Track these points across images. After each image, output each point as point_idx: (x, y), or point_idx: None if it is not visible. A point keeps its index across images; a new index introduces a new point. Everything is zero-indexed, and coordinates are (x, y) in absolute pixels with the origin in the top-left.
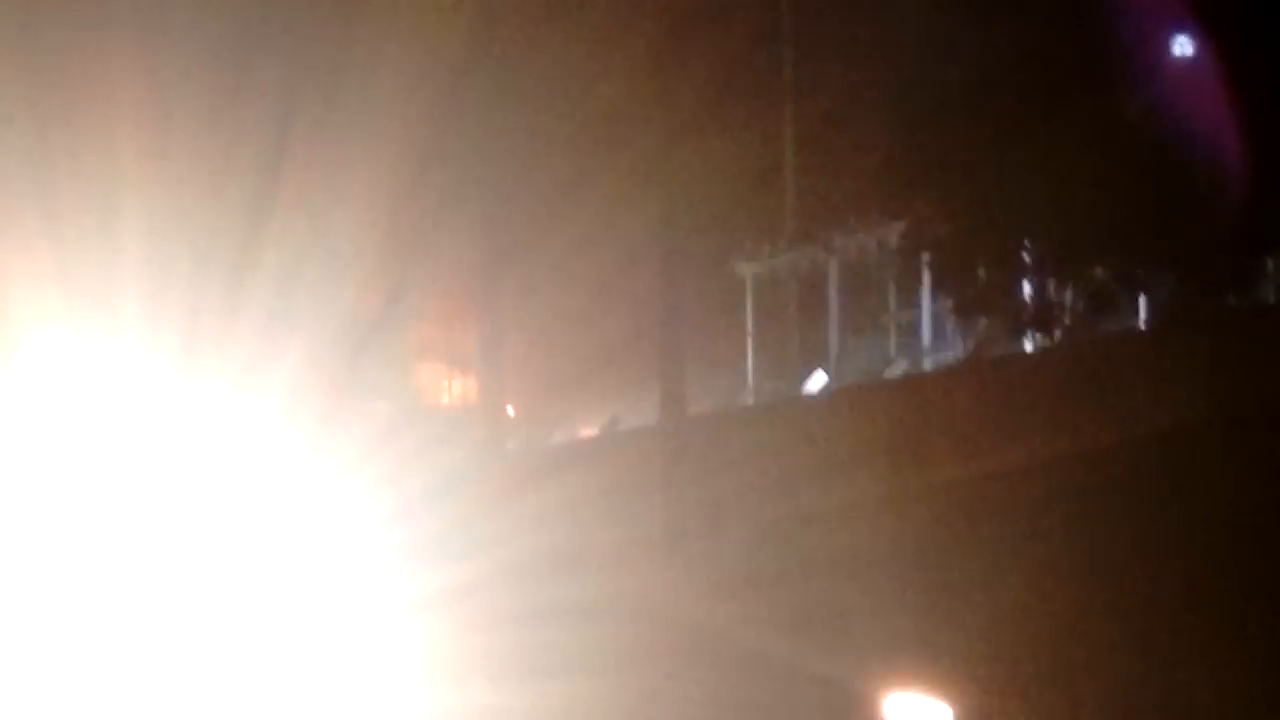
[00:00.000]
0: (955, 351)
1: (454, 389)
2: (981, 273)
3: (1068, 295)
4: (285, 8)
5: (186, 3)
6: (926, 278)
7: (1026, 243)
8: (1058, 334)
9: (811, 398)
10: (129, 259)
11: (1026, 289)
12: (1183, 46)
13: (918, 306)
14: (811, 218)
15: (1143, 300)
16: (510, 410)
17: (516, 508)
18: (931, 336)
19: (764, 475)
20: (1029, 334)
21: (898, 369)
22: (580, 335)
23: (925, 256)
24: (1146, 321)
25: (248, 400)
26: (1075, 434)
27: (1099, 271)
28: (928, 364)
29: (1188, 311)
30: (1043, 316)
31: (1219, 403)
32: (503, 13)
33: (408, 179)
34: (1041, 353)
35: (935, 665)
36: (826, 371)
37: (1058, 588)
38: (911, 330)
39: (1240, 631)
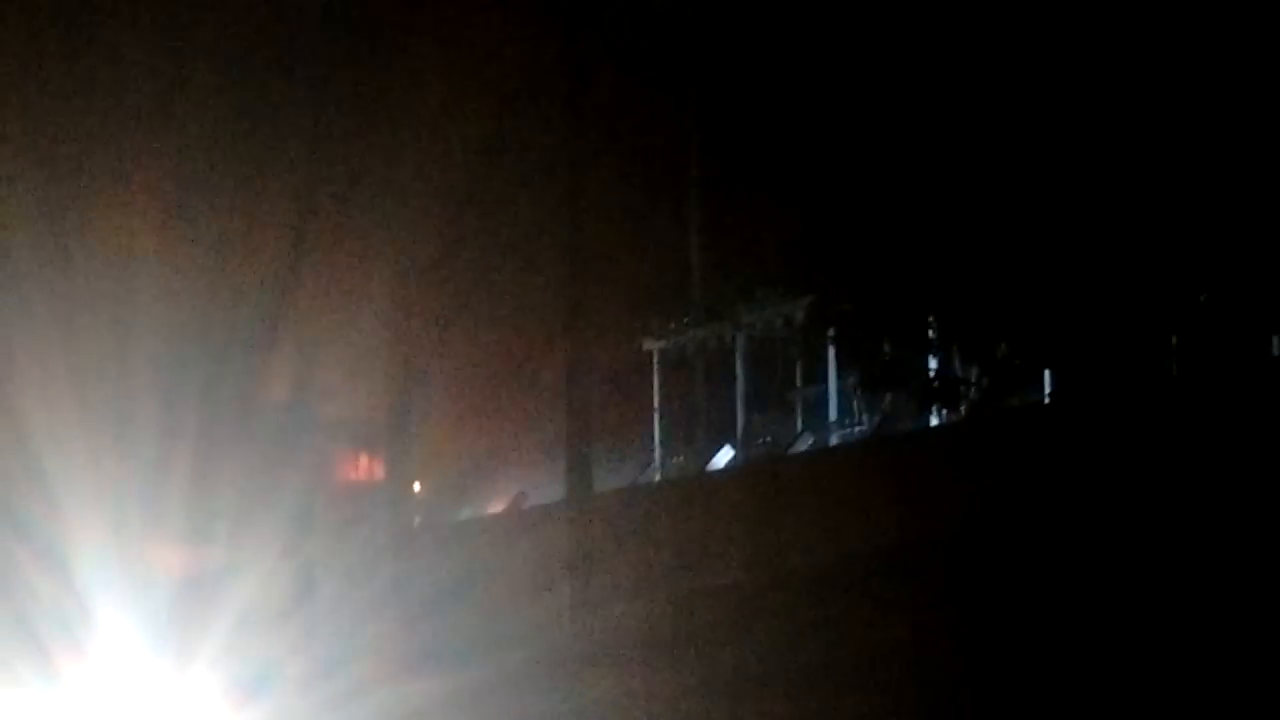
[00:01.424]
0: (862, 426)
1: (360, 465)
2: (887, 348)
3: (973, 371)
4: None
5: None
6: (832, 353)
7: (931, 319)
8: (963, 409)
9: (718, 474)
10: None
11: (932, 364)
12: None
13: (824, 382)
14: (718, 293)
15: (1047, 375)
16: (417, 486)
17: (421, 585)
18: (838, 412)
19: (669, 551)
20: (935, 409)
21: (804, 444)
22: (487, 412)
23: (831, 332)
24: (1051, 396)
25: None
26: (981, 507)
27: (1003, 347)
28: (834, 439)
29: (1091, 386)
30: (948, 392)
31: (1122, 477)
32: (397, 109)
33: (316, 257)
34: (947, 427)
35: None
36: (733, 447)
37: (972, 660)
38: (818, 405)
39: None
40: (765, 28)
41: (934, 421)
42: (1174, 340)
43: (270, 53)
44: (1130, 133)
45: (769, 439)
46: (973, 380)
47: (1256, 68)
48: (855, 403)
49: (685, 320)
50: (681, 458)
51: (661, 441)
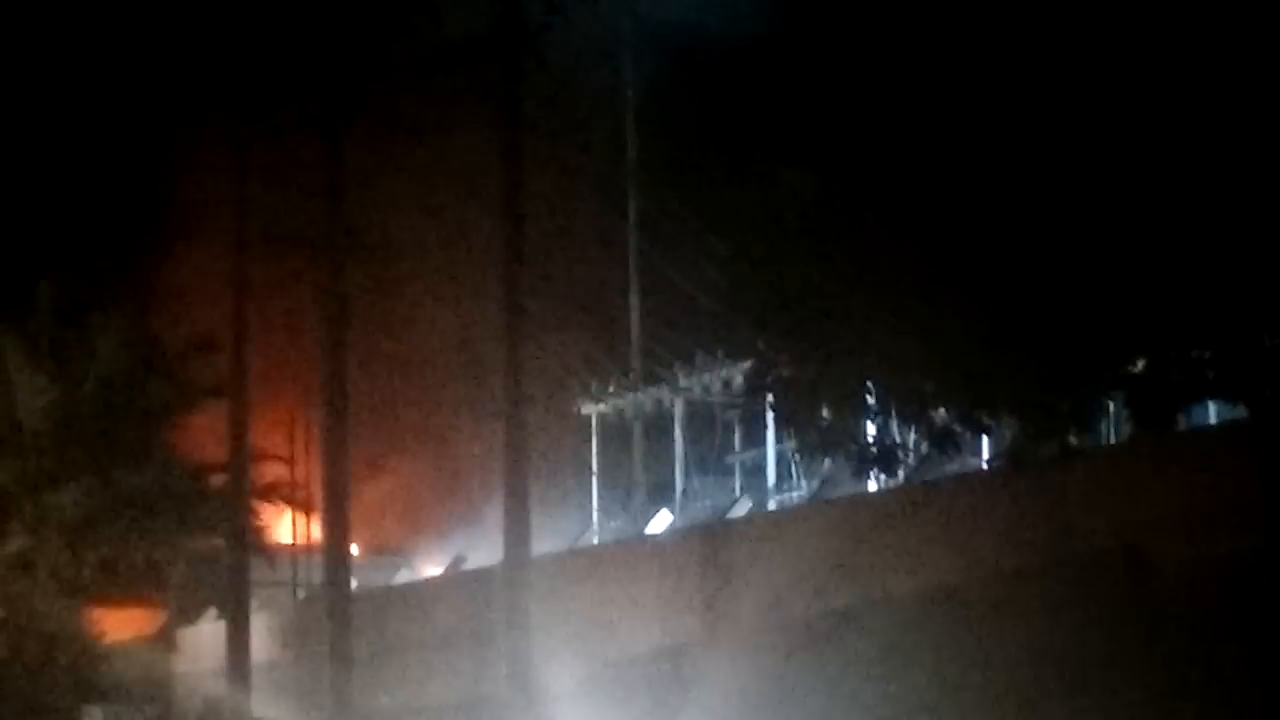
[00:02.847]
0: (800, 491)
1: (297, 529)
2: (826, 413)
3: (911, 436)
4: None
5: None
6: (771, 418)
7: (870, 384)
8: (901, 474)
9: (655, 538)
10: None
11: (870, 429)
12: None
13: (762, 446)
14: (656, 358)
15: (985, 441)
16: (354, 549)
17: (357, 651)
18: (776, 476)
19: (607, 615)
20: (873, 474)
21: (743, 508)
22: (426, 475)
23: (769, 397)
24: (989, 461)
25: None
26: (918, 572)
27: (941, 413)
28: (773, 503)
29: (1028, 452)
30: (886, 457)
31: (1060, 543)
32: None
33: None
34: (885, 492)
35: None
36: (671, 511)
37: None
38: (756, 470)
39: None
40: (701, 95)
41: (872, 486)
42: (1110, 405)
43: None
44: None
45: (708, 502)
46: (911, 445)
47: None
48: (794, 467)
49: (624, 384)
50: (619, 521)
51: (599, 505)
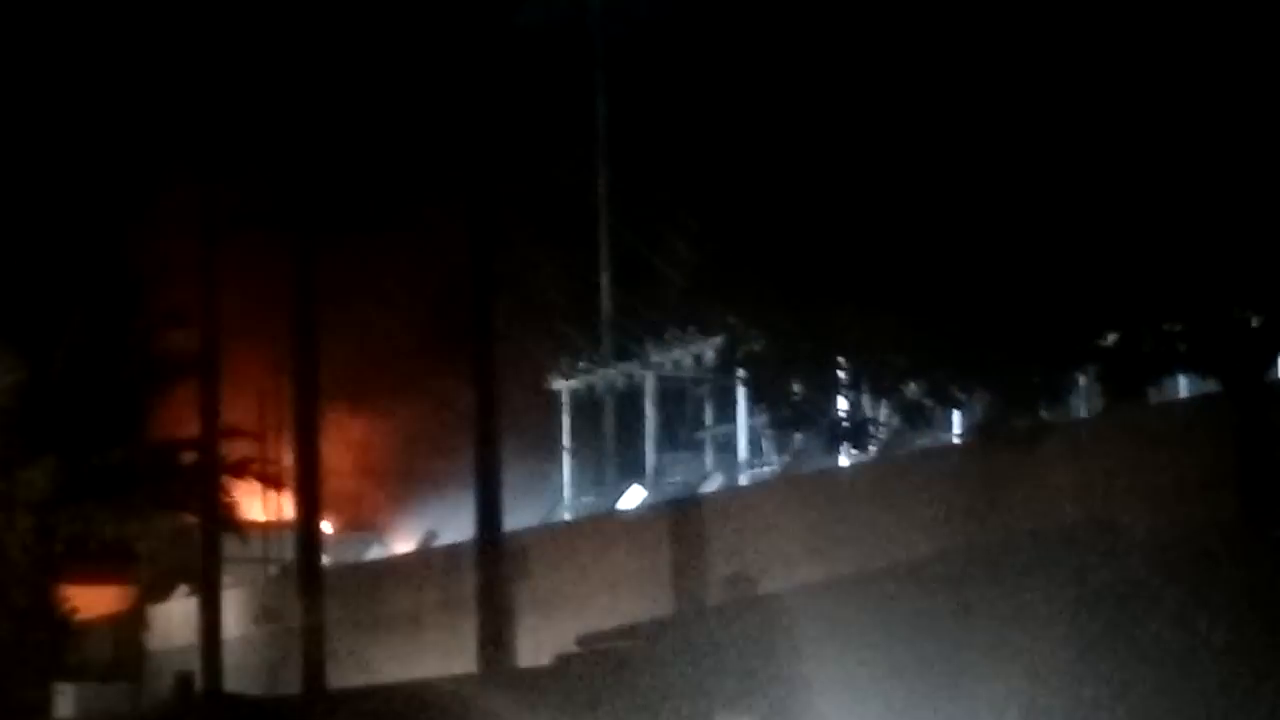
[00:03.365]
0: (772, 465)
1: (268, 505)
2: (796, 388)
3: (882, 410)
4: None
5: None
6: (742, 393)
7: (840, 359)
8: (872, 448)
9: (627, 513)
10: None
11: (842, 404)
12: None
13: (733, 422)
14: (627, 333)
15: (956, 415)
16: (326, 526)
17: (329, 627)
18: (748, 451)
19: (579, 591)
20: (844, 448)
21: (714, 483)
22: (397, 450)
23: (741, 372)
24: (959, 435)
25: None
26: (888, 547)
27: (912, 387)
28: (744, 478)
29: (999, 425)
30: (857, 431)
31: (1028, 516)
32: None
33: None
34: (856, 467)
35: None
36: (643, 486)
37: (872, 703)
38: (727, 445)
39: None
40: (676, 70)
41: (843, 461)
42: (1080, 379)
43: None
44: (1040, 170)
45: (679, 478)
46: (882, 420)
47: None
48: (765, 442)
49: (594, 360)
50: (590, 497)
51: (571, 481)
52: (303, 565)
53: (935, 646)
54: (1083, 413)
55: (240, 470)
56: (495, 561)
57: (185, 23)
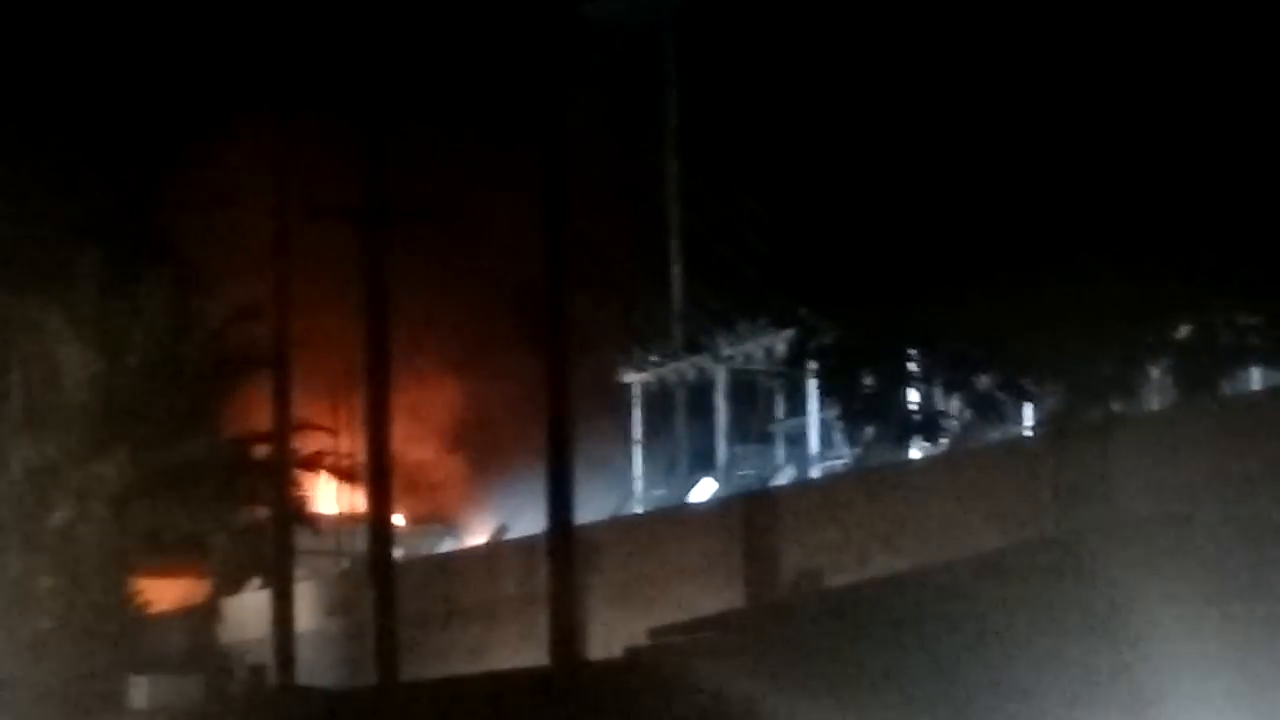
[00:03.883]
0: (843, 459)
1: (341, 499)
2: (868, 380)
3: (953, 403)
4: None
5: None
6: (814, 386)
7: (912, 351)
8: (943, 441)
9: (698, 506)
10: None
11: (913, 396)
12: None
13: (805, 414)
14: (698, 326)
15: (1028, 408)
16: (398, 519)
17: (401, 620)
18: (819, 444)
19: (650, 583)
20: (915, 441)
21: (785, 476)
22: (469, 443)
23: (812, 364)
24: (1031, 429)
25: None
26: (959, 541)
27: (984, 379)
28: (815, 471)
29: (1071, 419)
30: (929, 424)
31: (1100, 509)
32: None
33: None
34: (927, 460)
35: None
36: (714, 479)
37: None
38: (799, 438)
39: None
40: (748, 62)
41: (914, 454)
42: (1153, 372)
43: None
44: (1108, 170)
45: (750, 471)
46: (953, 412)
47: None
48: (836, 435)
49: (666, 352)
50: (661, 490)
51: (642, 474)
52: (375, 558)
53: (1006, 643)
54: (1155, 405)
55: (313, 464)
56: (566, 554)
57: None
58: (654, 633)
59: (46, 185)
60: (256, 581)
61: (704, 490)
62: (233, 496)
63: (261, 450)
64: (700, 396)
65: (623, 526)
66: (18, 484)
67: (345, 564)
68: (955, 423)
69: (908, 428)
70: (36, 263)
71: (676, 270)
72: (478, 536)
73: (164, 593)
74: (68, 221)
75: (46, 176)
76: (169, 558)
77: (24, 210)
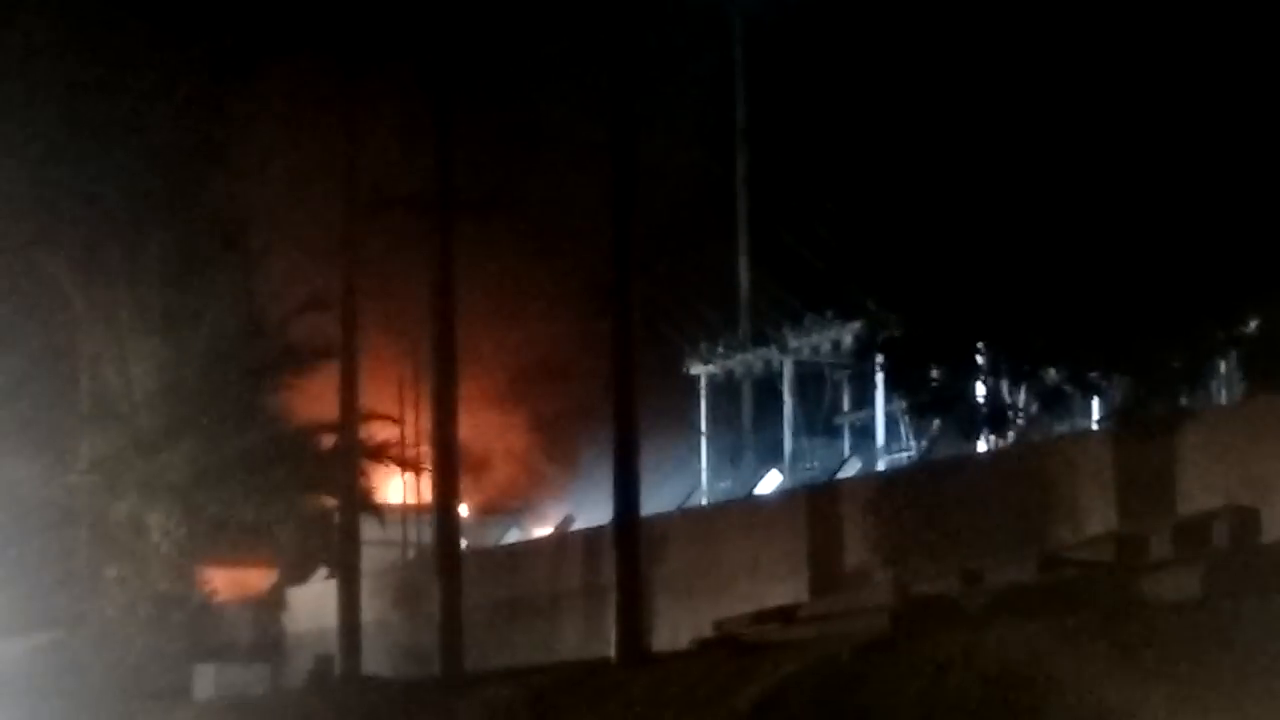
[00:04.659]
0: (909, 451)
1: (407, 489)
2: (935, 373)
3: (1021, 396)
4: None
5: None
6: (880, 378)
7: (980, 344)
8: (1011, 435)
9: (764, 498)
10: None
11: (980, 389)
12: None
13: (871, 407)
14: (765, 318)
15: (1095, 401)
16: (464, 509)
17: (467, 610)
18: (885, 436)
19: (716, 575)
20: (983, 434)
21: (852, 468)
22: (536, 433)
23: (879, 357)
24: (1099, 422)
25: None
26: (1029, 535)
27: (1051, 373)
28: (882, 464)
29: (1139, 412)
30: (996, 417)
31: (1167, 504)
32: None
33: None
34: (995, 453)
35: None
36: (780, 471)
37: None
38: (865, 431)
39: None
40: (812, 54)
41: (981, 446)
42: (1221, 366)
43: None
44: (1179, 166)
45: (816, 463)
46: (1021, 405)
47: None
48: (903, 427)
49: (732, 344)
50: (727, 482)
51: (708, 466)
52: (441, 548)
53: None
54: (1223, 400)
55: (379, 454)
56: (633, 545)
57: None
58: (719, 624)
59: (111, 176)
60: (323, 571)
61: (770, 482)
62: (299, 486)
63: (328, 440)
64: (767, 389)
65: (688, 518)
66: (85, 473)
67: (411, 554)
68: (1022, 416)
69: (975, 420)
70: (103, 252)
71: (744, 262)
72: (544, 527)
73: (231, 582)
74: (133, 211)
75: (111, 168)
76: (235, 547)
77: (89, 201)
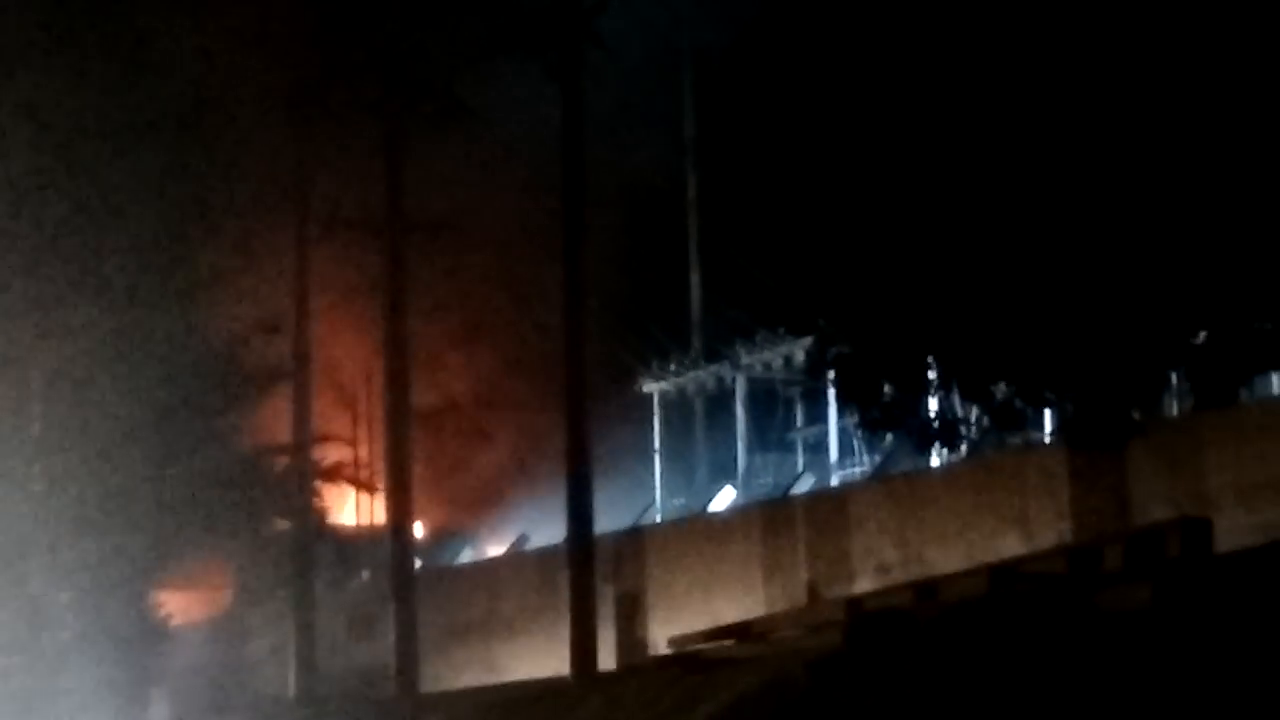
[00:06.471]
0: (863, 466)
1: (361, 510)
2: (887, 389)
3: (972, 411)
4: None
5: None
6: (832, 394)
7: (930, 360)
8: (963, 449)
9: (719, 515)
10: None
11: (932, 404)
12: None
13: (824, 422)
14: (717, 335)
15: (1047, 415)
16: (418, 529)
17: (422, 630)
18: (839, 452)
19: (671, 592)
20: (935, 449)
21: (805, 484)
22: (488, 455)
23: (831, 373)
24: (1051, 436)
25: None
26: (981, 548)
27: (1002, 387)
28: (835, 479)
29: (1090, 426)
30: (948, 431)
31: (1121, 517)
32: None
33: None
34: (947, 467)
35: None
36: (734, 487)
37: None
38: (818, 446)
39: None
40: (762, 73)
41: (934, 461)
42: (1173, 378)
43: None
44: (1125, 180)
45: (770, 479)
46: (973, 420)
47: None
48: (856, 443)
49: (685, 362)
50: (682, 499)
51: (662, 483)
52: (395, 571)
53: None
54: (1174, 412)
55: (333, 475)
56: (587, 564)
57: None
58: (674, 641)
59: (71, 196)
60: (278, 593)
61: (724, 499)
62: (253, 509)
63: (281, 462)
64: (720, 405)
65: (643, 535)
66: (37, 496)
67: (365, 575)
68: (974, 430)
69: (927, 435)
70: (55, 274)
71: (695, 279)
72: (498, 547)
73: (186, 604)
74: (86, 233)
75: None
76: (190, 570)
77: (44, 221)
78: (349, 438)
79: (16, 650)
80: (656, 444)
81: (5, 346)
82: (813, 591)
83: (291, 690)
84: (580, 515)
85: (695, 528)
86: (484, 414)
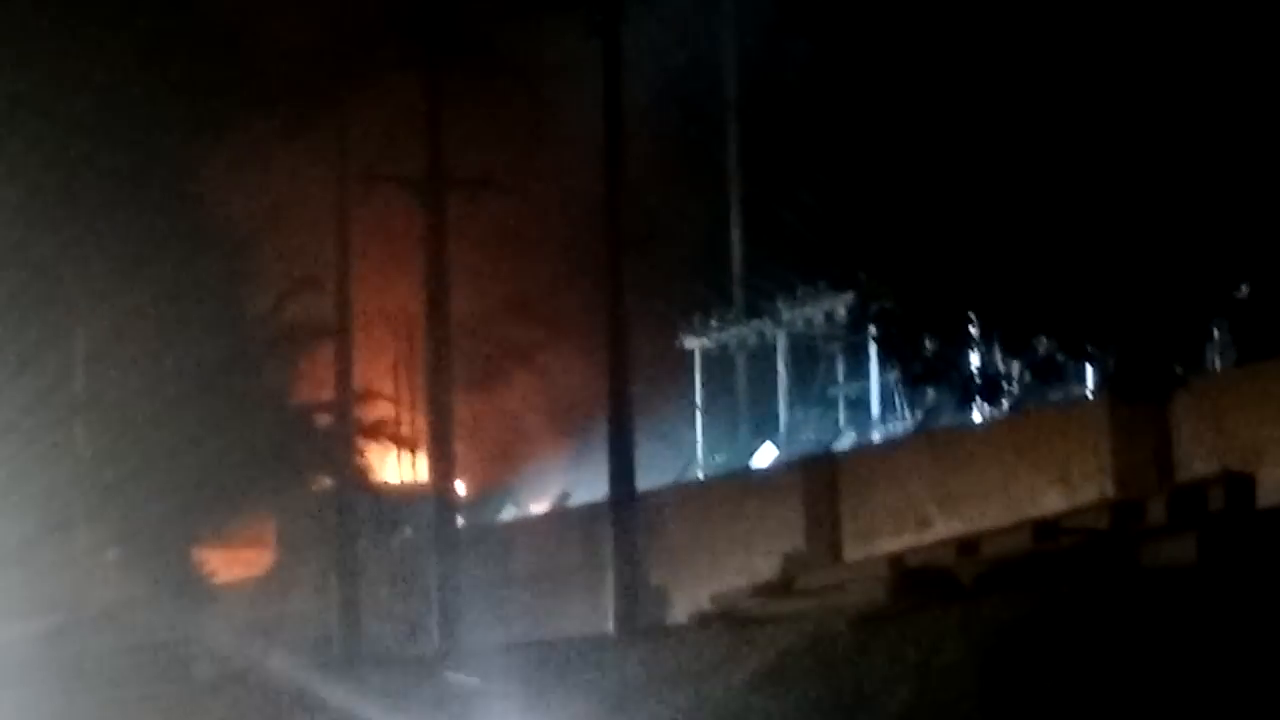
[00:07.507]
0: (904, 422)
1: (403, 467)
2: (928, 344)
3: (1014, 366)
4: None
5: None
6: (874, 350)
7: (972, 314)
8: (1005, 404)
9: (760, 471)
10: None
11: (974, 359)
12: None
13: (866, 378)
14: (758, 291)
15: (1090, 370)
16: (460, 487)
17: (465, 587)
18: (880, 408)
19: (713, 549)
20: (977, 404)
21: (847, 440)
22: (531, 412)
23: (873, 329)
24: (1094, 391)
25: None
26: (1023, 503)
27: (1045, 342)
28: (877, 435)
29: (1132, 380)
30: (990, 387)
31: (1164, 471)
32: None
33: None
34: (989, 422)
35: None
36: (775, 444)
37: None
38: (860, 402)
39: None
40: (803, 28)
41: (976, 417)
42: (1216, 331)
43: None
44: (1168, 128)
45: (811, 436)
46: (1015, 375)
47: None
48: (897, 398)
49: (726, 318)
50: (723, 455)
51: (703, 440)
52: (438, 526)
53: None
54: (1217, 367)
55: (375, 432)
56: (629, 520)
57: None
58: (716, 598)
59: (97, 168)
60: (323, 551)
61: (766, 455)
62: (296, 466)
63: (324, 420)
64: (761, 361)
65: (684, 492)
66: (83, 461)
67: (409, 532)
68: (1016, 385)
69: (969, 390)
70: (99, 233)
71: (736, 235)
72: (540, 504)
73: (229, 563)
74: (129, 190)
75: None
76: (233, 528)
77: (88, 181)
78: (391, 395)
79: (65, 606)
80: (698, 400)
81: (49, 308)
82: (857, 547)
83: (336, 646)
84: (622, 472)
85: (736, 484)
86: (526, 369)
